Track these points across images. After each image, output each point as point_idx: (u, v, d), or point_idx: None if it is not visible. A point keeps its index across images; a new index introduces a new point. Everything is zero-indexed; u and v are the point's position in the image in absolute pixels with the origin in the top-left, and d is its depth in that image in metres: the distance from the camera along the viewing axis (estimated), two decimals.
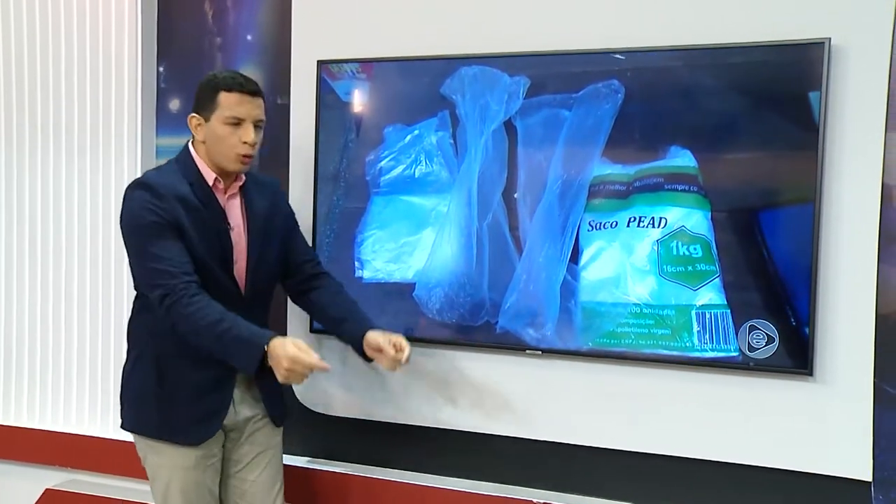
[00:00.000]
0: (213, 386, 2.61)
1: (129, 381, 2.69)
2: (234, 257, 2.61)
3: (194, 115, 2.58)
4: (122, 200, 2.57)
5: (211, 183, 2.58)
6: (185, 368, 2.58)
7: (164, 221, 2.46)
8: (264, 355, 2.40)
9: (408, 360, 2.65)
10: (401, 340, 2.66)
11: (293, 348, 2.38)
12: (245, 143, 2.53)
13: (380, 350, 2.64)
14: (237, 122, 2.52)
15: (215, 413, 2.63)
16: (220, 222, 2.58)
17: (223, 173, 2.60)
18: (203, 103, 2.56)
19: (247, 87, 2.54)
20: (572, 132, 2.79)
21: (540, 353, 2.89)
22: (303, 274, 2.85)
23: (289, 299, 3.08)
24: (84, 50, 3.50)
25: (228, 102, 2.52)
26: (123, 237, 2.57)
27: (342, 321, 2.79)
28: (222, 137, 2.53)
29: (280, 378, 2.42)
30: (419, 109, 2.98)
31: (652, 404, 2.82)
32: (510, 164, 2.87)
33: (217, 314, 2.42)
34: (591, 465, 2.95)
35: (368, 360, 2.73)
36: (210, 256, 2.54)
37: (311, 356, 2.41)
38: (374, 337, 2.67)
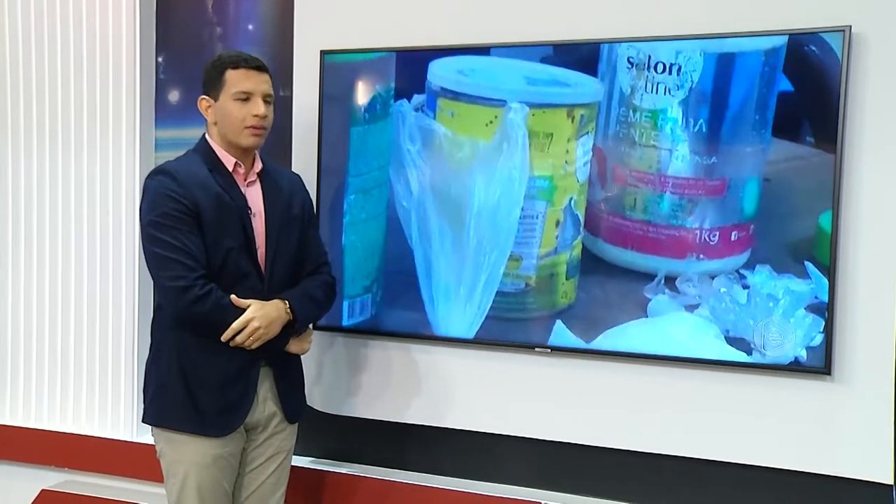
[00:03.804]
0: (236, 378, 2.57)
1: (151, 375, 2.63)
2: (256, 243, 2.59)
3: (204, 97, 2.59)
4: (141, 190, 2.57)
5: (231, 168, 2.58)
6: (206, 360, 2.54)
7: (184, 208, 2.45)
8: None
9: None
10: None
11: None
12: (256, 115, 2.55)
13: None
14: (246, 98, 2.54)
15: (239, 405, 2.59)
16: (243, 208, 2.57)
17: (242, 156, 2.60)
18: (211, 84, 2.58)
19: (252, 63, 2.57)
20: None
21: (549, 350, 2.81)
22: (304, 271, 2.78)
23: None
24: (81, 40, 3.40)
25: (236, 79, 2.54)
26: (141, 225, 2.54)
27: None
28: (232, 113, 2.54)
29: (297, 349, 2.67)
30: None
31: (664, 404, 2.75)
32: None
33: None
34: (603, 466, 2.88)
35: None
36: (233, 242, 2.52)
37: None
38: None
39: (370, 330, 3.05)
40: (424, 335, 2.92)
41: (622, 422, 2.81)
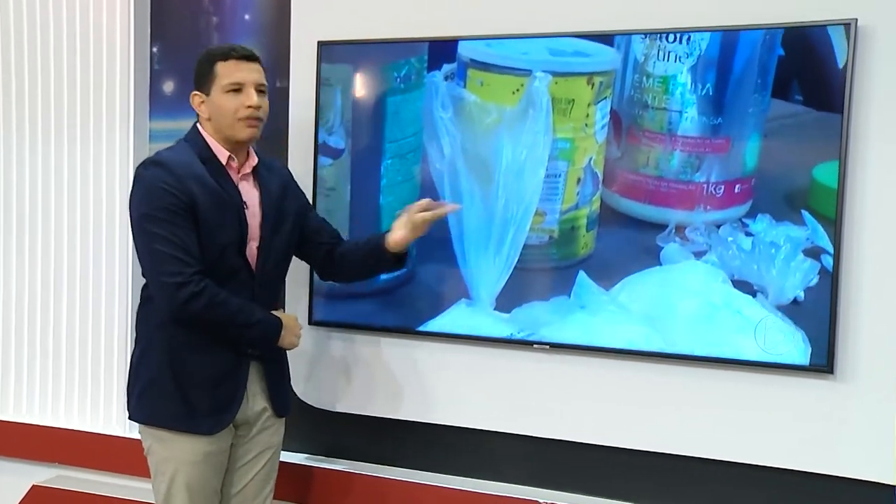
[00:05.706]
0: (227, 375, 2.59)
1: (139, 372, 2.62)
2: (248, 237, 2.60)
3: (196, 93, 2.59)
4: (133, 179, 2.54)
5: (224, 161, 2.57)
6: (197, 357, 2.55)
7: (180, 203, 2.43)
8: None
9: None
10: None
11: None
12: (249, 106, 2.53)
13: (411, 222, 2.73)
14: (238, 89, 2.53)
15: (229, 403, 2.60)
16: (237, 201, 2.56)
17: (236, 150, 2.59)
18: (202, 79, 2.57)
19: (242, 53, 2.56)
20: None
21: (547, 347, 2.90)
22: (325, 241, 2.85)
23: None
24: (74, 30, 3.41)
25: (226, 70, 2.53)
26: (134, 217, 2.52)
27: (366, 242, 2.82)
28: (225, 106, 2.53)
29: (289, 344, 2.69)
30: None
31: (664, 402, 2.79)
32: None
33: (237, 302, 2.53)
34: (600, 463, 2.91)
35: (400, 261, 2.79)
36: (225, 237, 2.52)
37: None
38: (396, 223, 2.75)
39: (364, 325, 3.13)
40: (420, 331, 3.04)
41: (619, 419, 2.85)
